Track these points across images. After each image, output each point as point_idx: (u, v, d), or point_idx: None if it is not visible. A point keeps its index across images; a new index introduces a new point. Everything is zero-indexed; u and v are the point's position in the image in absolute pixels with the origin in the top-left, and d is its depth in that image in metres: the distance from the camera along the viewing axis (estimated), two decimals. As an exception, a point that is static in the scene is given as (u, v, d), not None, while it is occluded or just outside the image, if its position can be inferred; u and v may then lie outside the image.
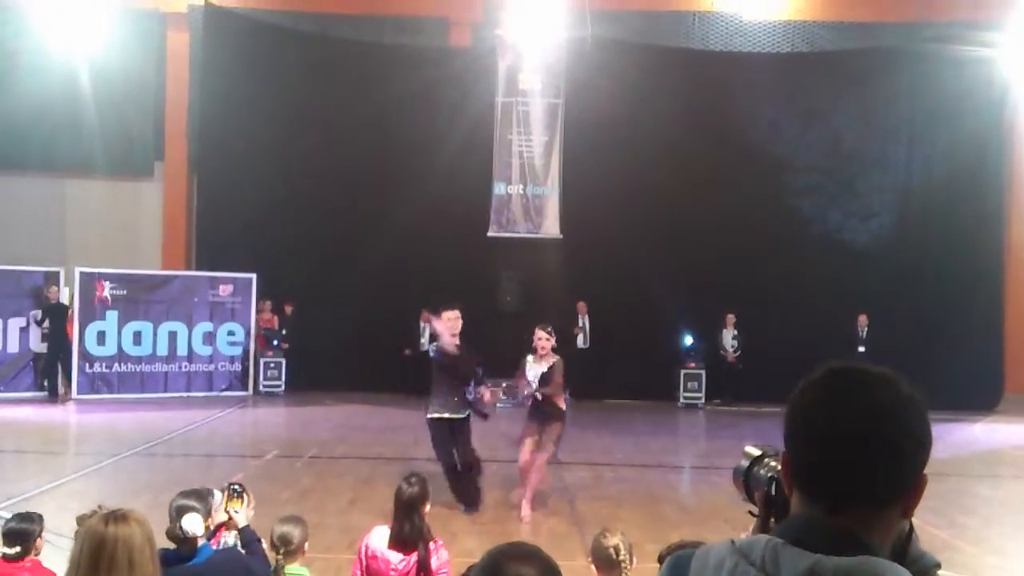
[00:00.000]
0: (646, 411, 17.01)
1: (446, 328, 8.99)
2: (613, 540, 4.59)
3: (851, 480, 1.40)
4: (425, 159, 17.38)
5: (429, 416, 9.13)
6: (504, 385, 16.79)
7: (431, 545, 4.88)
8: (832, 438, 1.42)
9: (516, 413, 15.79)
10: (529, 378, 8.91)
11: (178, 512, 4.02)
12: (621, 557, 4.54)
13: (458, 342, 9.00)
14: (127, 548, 2.92)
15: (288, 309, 17.97)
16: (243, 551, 4.38)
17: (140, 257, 18.49)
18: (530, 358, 8.98)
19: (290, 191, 17.94)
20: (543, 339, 8.86)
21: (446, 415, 9.02)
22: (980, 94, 18.02)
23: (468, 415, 9.12)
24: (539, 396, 8.83)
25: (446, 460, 9.05)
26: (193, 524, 3.98)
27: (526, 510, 8.85)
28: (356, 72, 17.86)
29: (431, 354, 9.22)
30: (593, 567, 4.59)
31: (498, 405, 16.96)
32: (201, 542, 4.06)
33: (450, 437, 9.05)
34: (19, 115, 17.99)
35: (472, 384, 9.10)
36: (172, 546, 4.13)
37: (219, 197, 18.43)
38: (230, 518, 4.37)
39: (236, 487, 4.42)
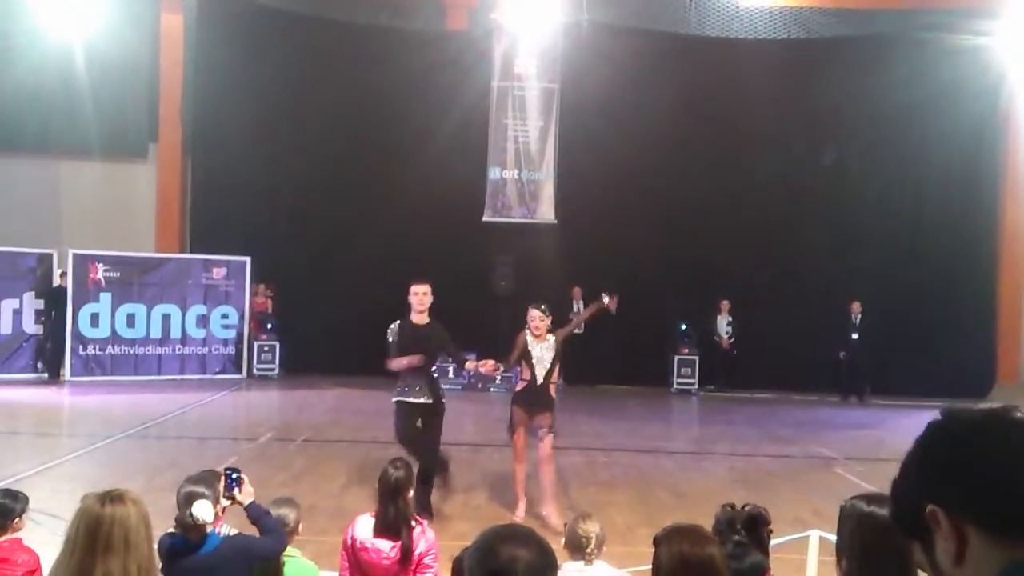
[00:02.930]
0: (639, 396, 17.05)
1: (413, 303, 8.38)
2: (588, 528, 4.65)
3: None
4: (420, 143, 17.35)
5: (394, 399, 8.42)
6: (499, 379, 16.86)
7: (415, 530, 4.88)
8: None
9: (509, 399, 15.83)
10: (536, 362, 8.27)
11: (187, 499, 3.99)
12: (589, 549, 4.61)
13: (427, 320, 8.44)
14: (123, 528, 2.93)
15: (269, 292, 17.98)
16: (255, 525, 4.37)
17: (134, 239, 18.44)
18: (528, 337, 8.30)
19: (284, 174, 17.92)
20: (536, 319, 8.27)
21: (411, 400, 8.32)
22: (976, 82, 18.01)
23: (434, 402, 8.40)
24: (539, 381, 8.27)
25: (406, 444, 8.19)
26: (203, 511, 3.97)
27: (555, 519, 7.84)
28: (351, 55, 17.81)
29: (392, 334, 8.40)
30: (562, 542, 4.66)
31: (491, 389, 17.03)
32: (210, 529, 4.05)
33: (415, 425, 8.34)
34: (13, 97, 17.92)
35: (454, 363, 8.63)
36: (173, 530, 4.12)
37: (213, 179, 18.40)
38: (233, 501, 4.35)
39: (232, 474, 4.37)
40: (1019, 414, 1.31)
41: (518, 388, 8.51)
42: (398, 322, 8.42)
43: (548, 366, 8.31)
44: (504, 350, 16.79)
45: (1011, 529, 1.24)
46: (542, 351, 8.29)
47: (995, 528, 1.25)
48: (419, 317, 8.41)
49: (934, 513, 1.29)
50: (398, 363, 8.26)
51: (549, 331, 8.36)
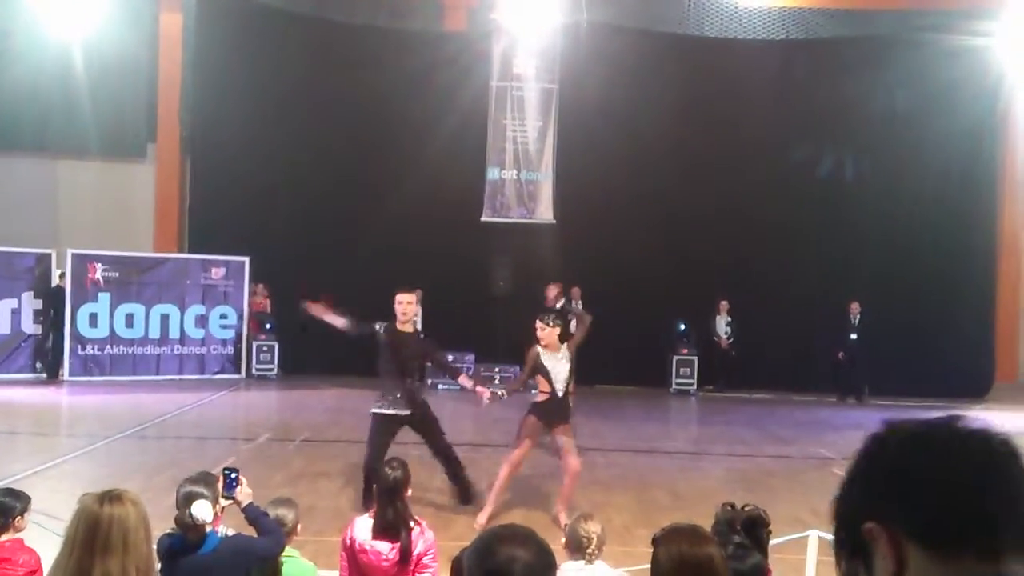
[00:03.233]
0: (638, 397, 17.04)
1: (398, 312, 8.35)
2: (589, 528, 4.65)
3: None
4: (419, 143, 17.35)
5: (372, 411, 8.40)
6: (497, 381, 16.81)
7: (414, 530, 4.87)
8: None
9: (509, 399, 15.80)
10: (553, 375, 8.17)
11: (186, 499, 3.99)
12: (590, 549, 4.60)
13: (411, 329, 8.43)
14: (122, 528, 2.93)
15: (266, 291, 18.01)
16: (252, 526, 4.38)
17: (132, 239, 18.44)
18: (540, 350, 8.19)
19: (283, 174, 17.90)
20: (538, 329, 8.17)
21: (389, 411, 8.28)
22: (975, 83, 18.01)
23: (412, 412, 8.32)
24: (560, 393, 8.20)
25: (371, 460, 7.94)
26: (203, 511, 3.97)
27: (565, 518, 7.50)
28: (350, 55, 17.80)
29: (378, 333, 8.37)
30: (563, 542, 4.65)
31: (490, 389, 17.01)
32: (209, 529, 4.05)
33: (387, 443, 8.21)
34: (12, 96, 17.91)
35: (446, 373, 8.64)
36: (172, 529, 4.12)
37: (212, 179, 18.39)
38: (233, 501, 4.35)
39: (231, 474, 4.38)
40: (963, 424, 1.27)
41: (538, 399, 8.36)
42: (385, 324, 8.41)
43: (566, 376, 8.25)
44: (502, 350, 16.82)
45: (951, 546, 1.19)
46: (557, 363, 8.21)
47: (935, 545, 1.20)
48: (404, 326, 8.39)
49: (872, 530, 1.24)
50: (316, 308, 8.54)
51: (561, 341, 8.26)
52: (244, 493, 4.36)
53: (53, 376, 16.53)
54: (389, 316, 8.54)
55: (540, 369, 8.20)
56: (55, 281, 16.76)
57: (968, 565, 1.19)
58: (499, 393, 8.66)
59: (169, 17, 18.72)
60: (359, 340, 8.65)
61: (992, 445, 1.25)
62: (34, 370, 16.73)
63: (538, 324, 8.23)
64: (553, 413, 8.25)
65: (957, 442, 1.25)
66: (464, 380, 8.85)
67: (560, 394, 8.23)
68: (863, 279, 17.80)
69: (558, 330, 8.22)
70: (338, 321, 8.56)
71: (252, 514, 4.37)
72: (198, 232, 18.69)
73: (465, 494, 8.58)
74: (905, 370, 17.36)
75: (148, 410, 13.70)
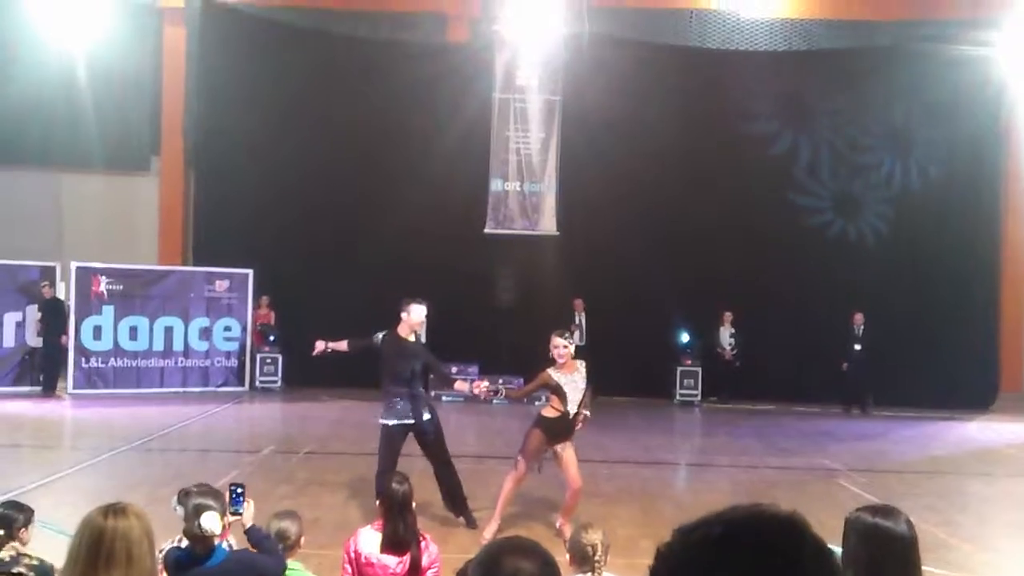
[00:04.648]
0: (642, 408, 17.01)
1: (406, 323, 8.37)
2: (592, 537, 4.61)
3: None
4: (422, 155, 17.39)
5: (379, 421, 8.41)
6: (500, 381, 16.75)
7: (421, 543, 4.87)
8: None
9: (512, 410, 15.81)
10: (568, 392, 8.02)
11: (196, 510, 4.00)
12: (597, 557, 4.56)
13: (413, 338, 8.43)
14: (126, 541, 2.93)
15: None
16: (255, 548, 4.37)
17: (136, 252, 18.46)
18: (552, 372, 8.04)
19: (287, 186, 17.93)
20: (559, 347, 8.01)
21: (391, 421, 8.27)
22: (977, 93, 18.03)
23: (416, 422, 8.29)
24: (571, 413, 8.06)
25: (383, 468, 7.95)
26: (212, 522, 3.98)
27: (568, 532, 7.38)
28: (353, 67, 17.86)
29: (378, 342, 8.42)
30: (567, 557, 4.62)
31: (494, 401, 16.99)
32: (217, 541, 4.05)
33: (396, 455, 8.20)
34: (15, 109, 17.96)
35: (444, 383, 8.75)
36: (180, 540, 4.13)
37: (215, 192, 18.42)
38: (238, 517, 4.35)
39: (237, 489, 4.38)
40: (751, 530, 1.23)
41: (546, 413, 8.23)
42: (385, 332, 8.45)
43: (579, 398, 8.14)
44: (505, 361, 16.77)
45: None
46: (572, 383, 8.09)
47: None
48: (407, 333, 8.42)
49: None
50: (320, 345, 8.86)
51: (573, 357, 8.16)
52: (248, 513, 4.36)
53: (48, 389, 16.40)
54: (391, 327, 8.53)
55: (556, 388, 8.09)
56: (60, 293, 16.73)
57: None
58: (499, 390, 8.59)
59: (173, 30, 18.78)
60: (366, 354, 8.67)
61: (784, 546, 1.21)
62: (38, 383, 16.72)
63: (560, 341, 8.06)
64: (559, 431, 8.18)
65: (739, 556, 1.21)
66: (460, 386, 8.86)
67: (571, 415, 8.13)
68: (866, 290, 17.78)
69: (573, 348, 8.18)
70: (340, 345, 8.69)
71: (255, 536, 4.37)
72: (202, 245, 18.71)
73: (466, 519, 8.48)
74: (909, 381, 17.32)
75: (152, 423, 13.69)
